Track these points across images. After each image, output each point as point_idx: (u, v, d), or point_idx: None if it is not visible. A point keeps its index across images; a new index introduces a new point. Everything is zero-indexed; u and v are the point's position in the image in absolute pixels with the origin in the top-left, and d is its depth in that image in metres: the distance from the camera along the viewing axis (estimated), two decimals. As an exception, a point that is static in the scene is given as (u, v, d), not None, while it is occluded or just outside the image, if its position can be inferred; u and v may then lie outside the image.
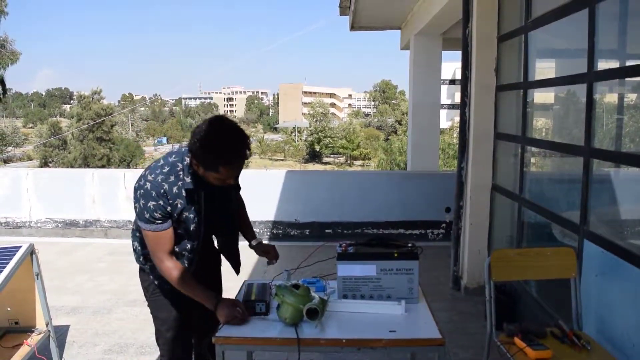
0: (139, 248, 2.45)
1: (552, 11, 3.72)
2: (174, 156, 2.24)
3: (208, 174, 2.16)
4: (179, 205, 2.22)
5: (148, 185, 2.18)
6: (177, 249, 2.35)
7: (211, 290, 2.33)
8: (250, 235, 2.73)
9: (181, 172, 2.21)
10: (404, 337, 2.08)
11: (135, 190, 2.21)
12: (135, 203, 2.22)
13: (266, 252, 2.68)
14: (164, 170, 2.20)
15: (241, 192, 2.70)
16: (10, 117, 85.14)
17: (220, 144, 2.06)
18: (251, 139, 2.30)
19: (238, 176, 2.38)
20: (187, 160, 2.22)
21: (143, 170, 2.27)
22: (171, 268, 2.26)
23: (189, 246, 2.39)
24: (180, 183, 2.21)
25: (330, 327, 2.15)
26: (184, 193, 2.22)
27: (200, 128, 2.11)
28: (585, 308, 2.83)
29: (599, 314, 2.90)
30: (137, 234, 2.44)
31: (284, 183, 7.11)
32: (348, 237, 6.84)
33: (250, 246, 2.71)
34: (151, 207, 2.17)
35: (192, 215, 2.29)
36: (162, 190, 2.17)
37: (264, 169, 9.09)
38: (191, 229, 2.33)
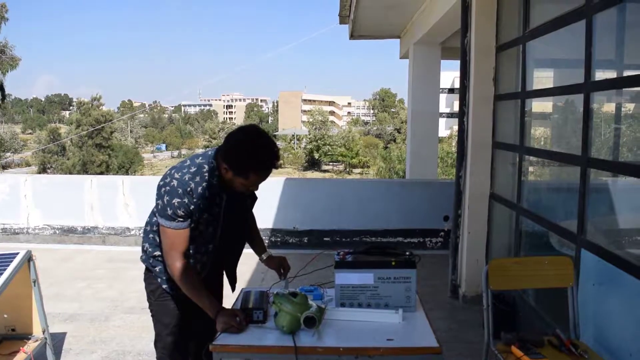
0: (150, 250, 2.47)
1: (549, 22, 3.75)
2: (200, 158, 2.31)
3: (236, 179, 2.24)
4: (202, 206, 2.27)
5: (175, 182, 2.23)
6: (192, 251, 2.37)
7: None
8: (260, 249, 2.74)
9: (207, 174, 2.27)
10: (401, 345, 2.08)
11: (160, 187, 2.27)
12: (158, 200, 2.27)
13: (279, 266, 2.67)
14: (191, 170, 2.26)
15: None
16: (9, 123, 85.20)
17: (256, 152, 2.17)
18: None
19: None
20: (213, 163, 2.29)
21: (168, 169, 2.33)
22: (182, 269, 2.28)
23: (203, 249, 2.42)
24: (205, 184, 2.26)
25: (327, 335, 2.15)
26: (207, 194, 2.27)
27: (238, 134, 2.25)
28: (583, 317, 2.84)
29: (596, 323, 2.91)
30: (151, 235, 2.46)
31: (283, 190, 7.12)
32: (347, 245, 6.84)
33: (262, 260, 2.71)
34: (175, 204, 2.21)
35: (212, 218, 2.34)
36: (188, 189, 2.22)
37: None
38: (209, 230, 2.37)
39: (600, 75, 3.17)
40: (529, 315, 3.97)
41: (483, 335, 2.72)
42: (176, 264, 2.28)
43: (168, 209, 2.22)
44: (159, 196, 2.27)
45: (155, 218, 2.39)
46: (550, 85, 4.25)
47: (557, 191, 4.18)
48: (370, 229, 6.98)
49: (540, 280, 2.87)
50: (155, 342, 2.59)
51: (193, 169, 2.27)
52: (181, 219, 2.24)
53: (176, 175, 2.25)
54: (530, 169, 4.50)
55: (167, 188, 2.24)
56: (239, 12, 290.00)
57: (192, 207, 2.24)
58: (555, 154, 4.02)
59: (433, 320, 2.32)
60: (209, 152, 2.34)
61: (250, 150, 2.18)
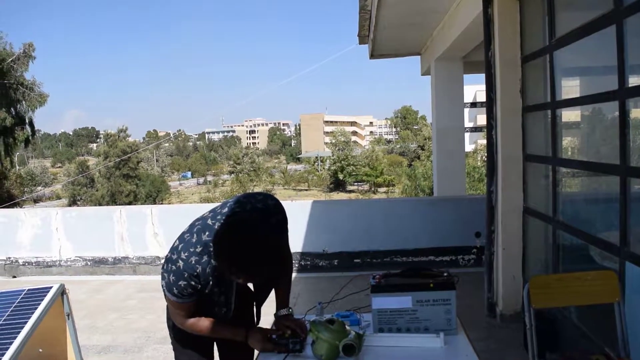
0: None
1: (576, 29, 3.67)
2: (207, 234, 2.10)
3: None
4: (211, 282, 2.15)
5: (181, 264, 2.08)
6: (210, 313, 2.31)
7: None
8: (281, 301, 2.44)
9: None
10: (444, 371, 2.00)
11: (167, 261, 2.12)
12: (164, 272, 2.13)
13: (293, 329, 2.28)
14: (197, 250, 2.09)
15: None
16: (39, 158, 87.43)
17: (231, 259, 1.92)
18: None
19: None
20: None
21: (177, 239, 2.17)
22: (193, 324, 2.26)
23: (220, 314, 2.34)
24: (212, 263, 2.09)
25: (367, 362, 2.08)
26: (216, 272, 2.12)
27: (217, 235, 1.98)
28: (632, 334, 2.70)
29: (647, 340, 2.77)
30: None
31: (310, 213, 7.05)
32: (377, 266, 6.73)
33: (275, 315, 2.41)
34: (181, 285, 2.09)
35: (223, 289, 2.25)
36: (194, 273, 2.08)
37: (289, 200, 9.06)
38: (221, 299, 2.29)
39: (634, 80, 3.06)
40: (572, 333, 3.82)
41: (525, 355, 2.61)
42: (187, 323, 2.26)
43: (174, 288, 2.10)
44: (166, 271, 2.11)
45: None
46: (581, 94, 4.14)
47: (595, 202, 4.04)
48: (400, 248, 6.86)
49: (584, 296, 2.74)
50: None
51: (199, 248, 2.09)
52: (187, 297, 2.13)
53: (183, 255, 2.08)
54: (565, 180, 4.37)
55: (174, 267, 2.09)
56: (257, 39, 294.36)
57: (199, 286, 2.13)
58: (592, 164, 3.89)
59: (471, 340, 2.23)
60: (216, 226, 2.11)
61: (225, 256, 1.92)
